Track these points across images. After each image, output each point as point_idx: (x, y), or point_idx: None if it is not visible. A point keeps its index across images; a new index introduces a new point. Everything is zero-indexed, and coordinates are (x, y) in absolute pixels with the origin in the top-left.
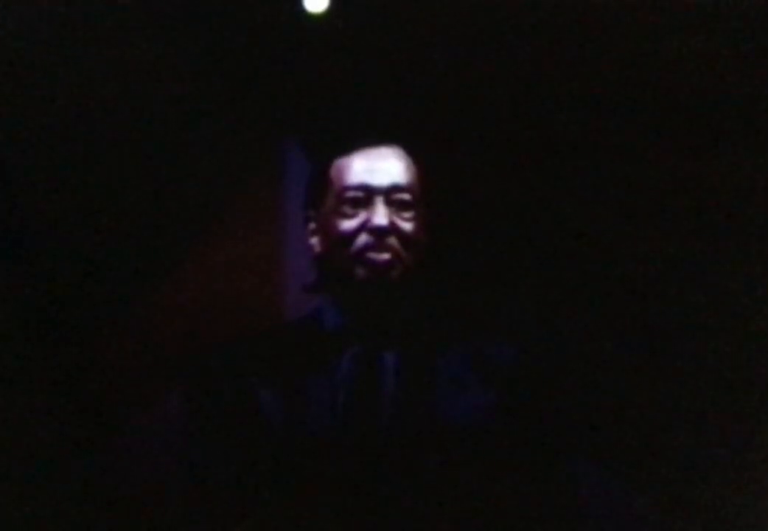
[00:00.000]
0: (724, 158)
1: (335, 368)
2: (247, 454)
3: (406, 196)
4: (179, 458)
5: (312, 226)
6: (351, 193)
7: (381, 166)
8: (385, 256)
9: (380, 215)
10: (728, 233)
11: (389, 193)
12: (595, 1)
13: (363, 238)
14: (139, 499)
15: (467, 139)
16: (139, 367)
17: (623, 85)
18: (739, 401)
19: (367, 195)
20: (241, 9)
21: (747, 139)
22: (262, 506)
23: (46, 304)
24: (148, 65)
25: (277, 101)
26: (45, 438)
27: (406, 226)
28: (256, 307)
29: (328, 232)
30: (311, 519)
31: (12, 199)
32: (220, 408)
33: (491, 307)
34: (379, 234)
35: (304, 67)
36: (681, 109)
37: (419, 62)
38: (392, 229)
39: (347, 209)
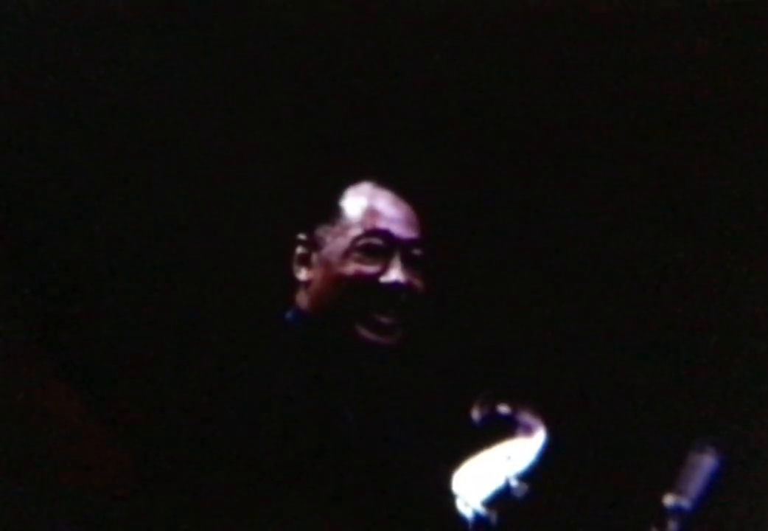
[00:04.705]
0: (723, 159)
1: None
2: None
3: (420, 252)
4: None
5: (302, 251)
6: (372, 240)
7: (404, 216)
8: (392, 320)
9: (399, 270)
10: (730, 234)
11: (409, 247)
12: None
13: (373, 294)
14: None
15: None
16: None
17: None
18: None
19: (388, 245)
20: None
21: (747, 139)
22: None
23: (48, 300)
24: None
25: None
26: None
27: (418, 282)
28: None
29: (330, 271)
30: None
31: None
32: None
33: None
34: (395, 290)
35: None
36: (679, 110)
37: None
38: (407, 285)
39: (361, 255)
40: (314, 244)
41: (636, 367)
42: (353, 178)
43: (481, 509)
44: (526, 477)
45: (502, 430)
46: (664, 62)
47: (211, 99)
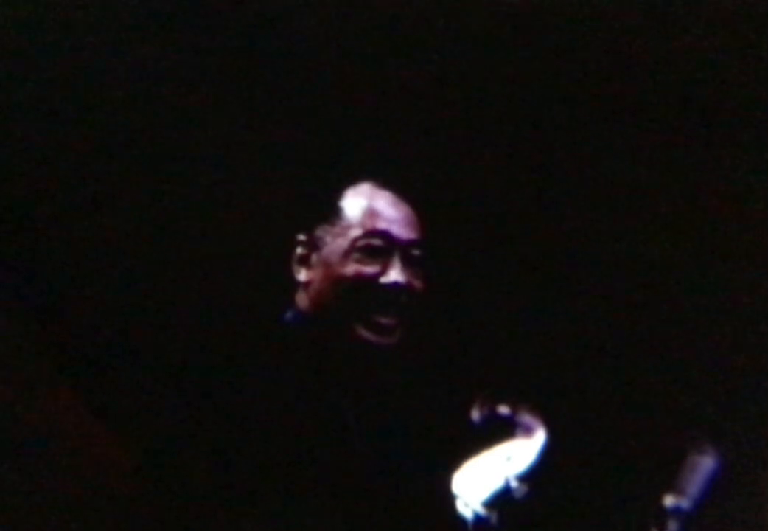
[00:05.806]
0: (722, 158)
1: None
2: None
3: (420, 252)
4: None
5: (302, 251)
6: (372, 241)
7: (404, 217)
8: (392, 321)
9: (399, 270)
10: (731, 235)
11: (409, 248)
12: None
13: (373, 295)
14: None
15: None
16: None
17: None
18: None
19: (388, 246)
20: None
21: (746, 139)
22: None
23: (50, 301)
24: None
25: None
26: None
27: (418, 283)
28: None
29: (330, 272)
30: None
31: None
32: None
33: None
34: (395, 291)
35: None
36: (677, 110)
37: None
38: (407, 286)
39: (361, 255)
40: (314, 245)
41: (636, 368)
42: (353, 178)
43: (481, 510)
44: (525, 478)
45: (501, 430)
46: (662, 61)
47: (212, 100)
